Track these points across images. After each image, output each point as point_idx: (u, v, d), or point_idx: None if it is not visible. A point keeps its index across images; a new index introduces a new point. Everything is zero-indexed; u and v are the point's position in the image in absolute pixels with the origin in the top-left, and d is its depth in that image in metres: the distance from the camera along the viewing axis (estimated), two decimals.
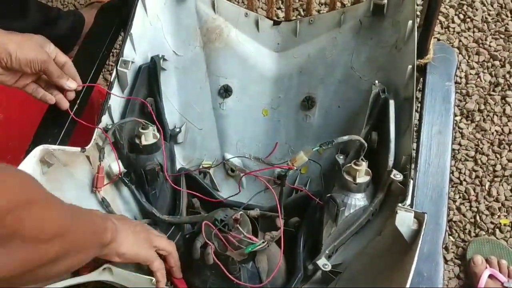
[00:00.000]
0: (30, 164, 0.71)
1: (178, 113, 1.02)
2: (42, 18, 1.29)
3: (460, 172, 1.31)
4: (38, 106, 1.08)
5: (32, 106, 1.11)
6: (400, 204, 0.72)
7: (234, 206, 0.89)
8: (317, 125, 0.98)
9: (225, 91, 1.02)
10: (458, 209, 1.28)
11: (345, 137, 0.77)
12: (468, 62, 1.41)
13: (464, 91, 1.38)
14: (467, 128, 1.35)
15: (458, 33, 1.46)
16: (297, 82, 0.99)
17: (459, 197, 1.29)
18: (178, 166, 1.01)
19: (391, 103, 0.83)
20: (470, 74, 1.40)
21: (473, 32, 1.46)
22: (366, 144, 0.80)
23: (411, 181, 0.77)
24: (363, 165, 0.81)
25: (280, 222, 0.81)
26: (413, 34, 0.83)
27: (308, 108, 0.98)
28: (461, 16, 1.47)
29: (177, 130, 1.00)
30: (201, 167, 1.02)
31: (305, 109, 0.98)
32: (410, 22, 0.83)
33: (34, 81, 0.87)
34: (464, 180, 1.30)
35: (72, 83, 0.88)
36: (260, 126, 1.02)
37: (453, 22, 1.47)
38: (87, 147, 0.82)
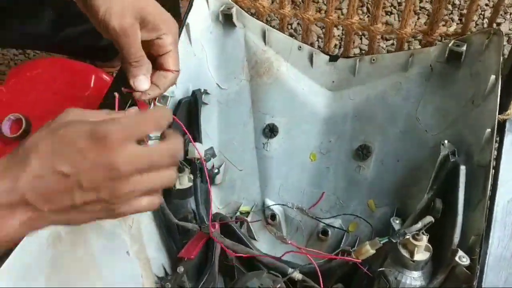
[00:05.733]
0: None
1: (218, 151, 0.94)
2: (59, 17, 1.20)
3: None
4: None
5: None
6: None
7: (271, 269, 0.79)
8: (371, 178, 0.86)
9: (271, 131, 0.92)
10: None
11: (419, 225, 0.66)
12: None
13: None
14: None
15: None
16: (351, 127, 0.88)
17: None
18: (214, 209, 0.92)
19: (462, 169, 0.71)
20: None
21: None
22: (433, 221, 0.68)
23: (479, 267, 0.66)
24: (424, 240, 0.70)
25: None
26: (496, 90, 0.70)
27: (362, 158, 0.87)
28: None
29: (216, 171, 0.91)
30: (238, 212, 0.93)
31: (358, 158, 0.87)
32: (493, 77, 0.70)
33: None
34: None
35: (143, 83, 0.59)
36: (306, 171, 0.91)
37: None
38: None
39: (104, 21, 0.55)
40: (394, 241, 0.67)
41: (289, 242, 0.74)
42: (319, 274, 0.70)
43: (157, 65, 0.62)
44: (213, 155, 0.86)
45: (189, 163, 0.84)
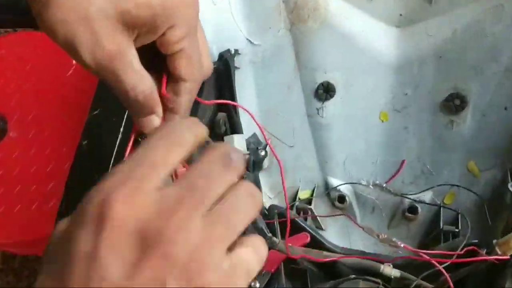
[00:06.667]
0: None
1: (259, 126, 0.72)
2: None
3: None
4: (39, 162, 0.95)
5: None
6: None
7: (356, 269, 0.61)
8: (470, 135, 0.67)
9: (325, 91, 0.71)
10: None
11: None
12: None
13: None
14: None
15: None
16: (434, 72, 0.68)
17: None
18: (265, 200, 0.73)
19: None
20: None
21: None
22: None
23: None
24: None
25: None
26: None
27: (455, 111, 0.67)
28: None
29: (262, 153, 0.71)
30: (297, 200, 0.73)
31: (449, 112, 0.67)
32: None
33: None
34: None
35: (153, 121, 0.41)
36: (376, 136, 0.72)
37: None
38: None
39: (72, 56, 0.35)
40: None
41: (402, 245, 0.55)
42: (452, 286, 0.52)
43: (168, 68, 0.38)
44: (258, 143, 0.66)
45: None
